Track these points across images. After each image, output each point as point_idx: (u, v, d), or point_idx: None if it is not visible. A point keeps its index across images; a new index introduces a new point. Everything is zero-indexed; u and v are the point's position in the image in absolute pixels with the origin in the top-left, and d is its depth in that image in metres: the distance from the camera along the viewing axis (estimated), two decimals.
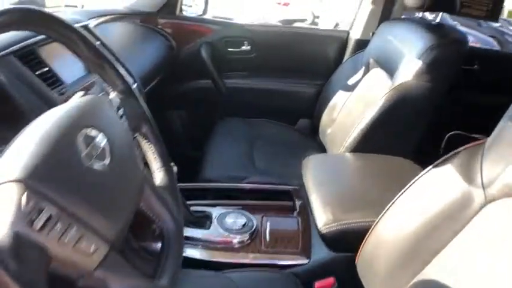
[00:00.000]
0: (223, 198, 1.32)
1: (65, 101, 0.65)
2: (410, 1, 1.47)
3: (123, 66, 1.38)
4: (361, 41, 1.99)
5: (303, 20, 12.90)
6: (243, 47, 2.12)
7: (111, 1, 2.03)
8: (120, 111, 0.68)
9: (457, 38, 1.35)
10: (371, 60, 1.73)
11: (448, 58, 1.31)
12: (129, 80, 1.33)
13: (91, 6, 1.94)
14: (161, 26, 2.08)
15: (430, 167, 0.71)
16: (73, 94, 0.71)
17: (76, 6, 2.21)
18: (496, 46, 5.01)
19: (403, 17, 1.94)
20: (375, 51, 1.72)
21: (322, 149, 1.83)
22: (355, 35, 2.04)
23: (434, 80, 1.31)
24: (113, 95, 0.71)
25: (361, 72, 1.78)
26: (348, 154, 1.38)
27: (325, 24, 10.59)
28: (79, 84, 1.11)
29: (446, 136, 1.98)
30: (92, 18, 1.52)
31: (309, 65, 2.10)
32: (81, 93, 0.69)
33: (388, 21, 1.79)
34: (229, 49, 2.13)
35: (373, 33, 1.88)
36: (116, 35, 1.73)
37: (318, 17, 12.08)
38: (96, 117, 0.58)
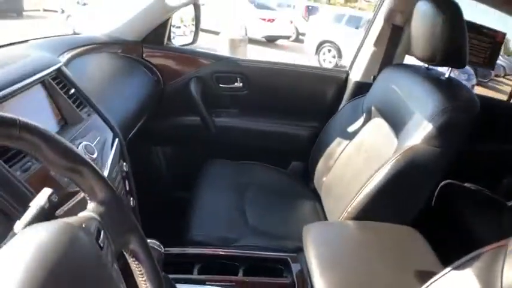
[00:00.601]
0: (213, 269, 1.18)
1: None
2: (419, 52, 1.36)
3: (101, 116, 1.23)
4: (361, 83, 1.89)
5: (287, 37, 12.96)
6: (236, 84, 1.99)
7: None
8: (101, 237, 0.52)
9: (469, 100, 1.25)
10: (373, 109, 1.62)
11: (461, 123, 1.21)
12: (109, 134, 1.19)
13: (70, 11, 1.75)
14: (146, 57, 1.93)
15: (450, 268, 0.69)
16: None
17: (56, 11, 2.00)
18: (472, 74, 5.08)
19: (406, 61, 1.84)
20: (377, 99, 1.61)
21: (317, 197, 1.72)
22: (355, 76, 1.94)
23: (445, 145, 1.21)
24: (91, 207, 0.56)
25: (361, 119, 1.67)
26: (350, 224, 1.26)
27: (310, 42, 10.67)
28: None
29: (439, 186, 1.88)
30: (64, 52, 1.36)
31: (304, 106, 1.98)
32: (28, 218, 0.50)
33: (391, 67, 1.69)
34: (221, 85, 1.99)
35: (374, 77, 1.78)
36: (93, 70, 1.56)
37: (303, 34, 12.14)
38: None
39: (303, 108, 2.01)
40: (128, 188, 1.28)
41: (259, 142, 2.01)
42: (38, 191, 0.55)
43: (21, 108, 0.94)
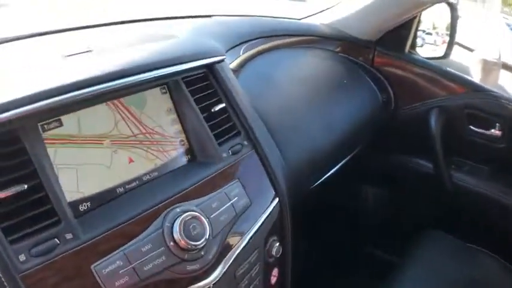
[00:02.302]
0: None
1: None
2: None
3: (262, 157, 0.74)
4: None
5: None
6: (492, 130, 1.24)
7: None
8: None
9: None
10: None
11: None
12: (264, 191, 0.71)
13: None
14: (377, 65, 1.33)
15: None
16: None
17: None
18: None
19: None
20: None
21: None
22: None
23: None
24: None
25: None
26: None
27: None
28: None
29: None
30: (250, 40, 0.92)
31: None
32: None
33: None
34: (472, 127, 1.27)
35: None
36: (289, 73, 1.07)
37: None
38: None
39: None
40: (273, 282, 0.76)
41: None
42: None
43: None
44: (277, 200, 0.74)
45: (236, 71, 0.88)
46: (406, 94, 1.33)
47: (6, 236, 0.46)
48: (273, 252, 0.74)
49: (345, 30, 1.27)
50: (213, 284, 0.60)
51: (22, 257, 0.46)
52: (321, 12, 1.33)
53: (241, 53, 0.94)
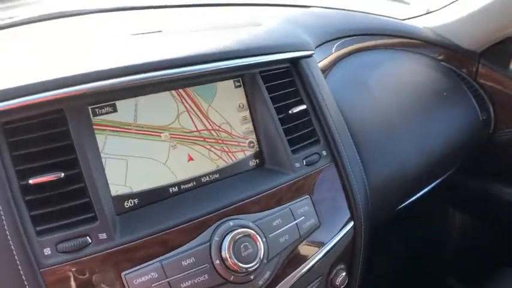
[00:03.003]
0: None
1: None
2: None
3: (343, 170, 0.64)
4: None
5: None
6: None
7: None
8: None
9: None
10: None
11: None
12: (339, 209, 0.61)
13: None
14: (480, 79, 1.14)
15: None
16: None
17: None
18: None
19: None
20: None
21: None
22: None
23: None
24: None
25: None
26: None
27: None
28: None
29: None
30: (345, 36, 0.82)
31: None
32: None
33: None
34: None
35: None
36: (395, 76, 0.94)
37: None
38: None
39: None
40: None
41: None
42: None
43: None
44: (351, 224, 0.63)
45: (325, 70, 0.78)
46: (508, 115, 1.12)
47: (35, 226, 0.42)
48: (337, 283, 0.63)
49: (449, 37, 1.11)
50: None
51: (47, 251, 0.42)
52: (424, 14, 1.17)
53: (333, 50, 0.84)
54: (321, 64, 0.76)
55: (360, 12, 1.06)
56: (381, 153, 0.76)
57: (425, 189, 0.93)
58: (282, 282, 0.54)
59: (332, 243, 0.60)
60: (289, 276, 0.54)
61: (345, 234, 0.62)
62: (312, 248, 0.57)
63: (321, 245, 0.58)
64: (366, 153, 0.70)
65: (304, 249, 0.56)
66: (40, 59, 0.48)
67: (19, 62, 0.48)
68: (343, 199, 0.63)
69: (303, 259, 0.56)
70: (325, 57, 0.81)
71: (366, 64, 0.90)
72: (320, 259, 0.58)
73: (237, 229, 0.49)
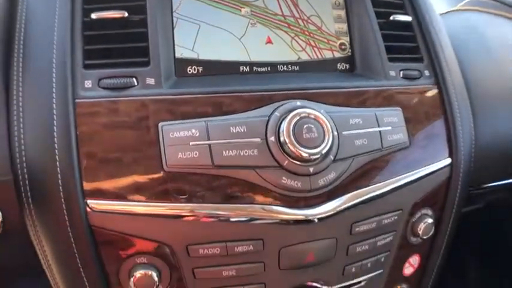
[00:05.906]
0: None
1: None
2: None
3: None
4: None
5: None
6: None
7: None
8: None
9: None
10: None
11: None
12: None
13: None
14: None
15: None
16: None
17: None
18: None
19: None
20: None
21: None
22: None
23: None
24: None
25: None
26: None
27: None
28: None
29: None
30: None
31: None
32: None
33: None
34: None
35: None
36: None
37: None
38: None
39: None
40: (406, 273, 0.55)
41: None
42: None
43: None
44: (449, 161, 0.52)
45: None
46: None
47: (84, 59, 0.40)
48: (420, 230, 0.51)
49: None
50: (316, 222, 0.43)
51: (88, 84, 0.39)
52: None
53: None
54: None
55: None
56: (494, 115, 0.61)
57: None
58: (349, 195, 0.44)
59: (421, 173, 0.49)
60: (359, 191, 0.44)
61: (439, 169, 0.51)
62: (395, 168, 0.47)
63: (406, 169, 0.48)
64: (477, 106, 0.57)
65: (383, 166, 0.46)
66: None
67: None
68: (442, 129, 0.52)
69: (380, 178, 0.46)
70: None
71: (487, 21, 0.75)
72: (402, 187, 0.47)
73: (304, 108, 0.42)
